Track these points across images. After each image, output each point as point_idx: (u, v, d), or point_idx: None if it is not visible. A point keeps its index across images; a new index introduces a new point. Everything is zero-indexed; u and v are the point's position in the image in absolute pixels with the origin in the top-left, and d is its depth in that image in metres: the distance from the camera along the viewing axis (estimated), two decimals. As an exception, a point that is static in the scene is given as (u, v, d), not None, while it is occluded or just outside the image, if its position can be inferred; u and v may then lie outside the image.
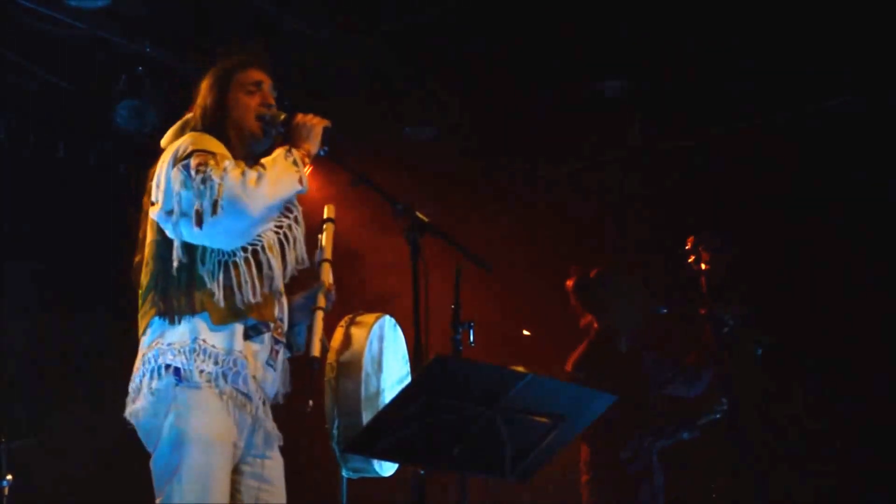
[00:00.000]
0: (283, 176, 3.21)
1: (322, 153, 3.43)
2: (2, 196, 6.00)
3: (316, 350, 3.30)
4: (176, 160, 3.23)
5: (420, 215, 3.45)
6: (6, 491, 4.97)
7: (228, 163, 3.19)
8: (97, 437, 5.68)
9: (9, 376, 5.78)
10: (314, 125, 3.40)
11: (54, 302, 6.18)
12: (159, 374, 3.17)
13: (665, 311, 4.93)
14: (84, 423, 5.77)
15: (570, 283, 5.17)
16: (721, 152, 6.32)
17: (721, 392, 4.75)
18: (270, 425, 3.38)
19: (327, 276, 3.49)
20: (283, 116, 3.45)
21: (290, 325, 3.45)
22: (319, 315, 3.39)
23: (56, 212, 6.22)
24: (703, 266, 4.83)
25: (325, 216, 3.64)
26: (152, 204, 3.28)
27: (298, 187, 3.25)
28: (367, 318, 3.58)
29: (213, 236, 3.18)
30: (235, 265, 3.22)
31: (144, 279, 3.32)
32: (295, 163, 3.26)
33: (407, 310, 3.41)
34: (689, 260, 4.88)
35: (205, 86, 3.52)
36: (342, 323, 3.55)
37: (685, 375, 4.93)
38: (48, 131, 6.17)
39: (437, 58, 5.89)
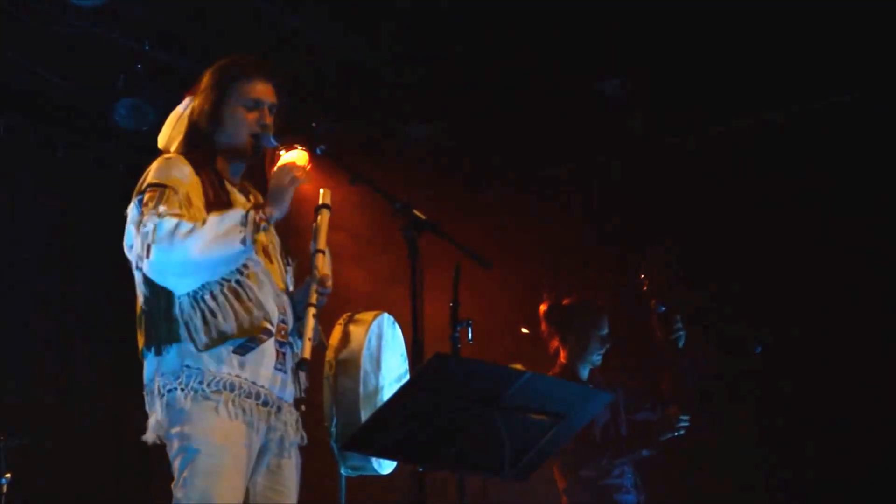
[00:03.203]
0: (221, 237, 3.17)
1: (319, 152, 3.43)
2: (1, 196, 6.00)
3: (306, 352, 3.28)
4: (135, 192, 3.30)
5: (418, 213, 3.45)
6: (4, 489, 4.97)
7: (165, 208, 3.18)
8: (97, 437, 5.68)
9: (9, 375, 5.78)
10: (286, 187, 3.33)
11: (54, 301, 6.17)
12: (161, 397, 3.23)
13: (664, 309, 4.94)
14: (84, 423, 5.78)
15: (542, 308, 5.23)
16: (721, 151, 6.31)
17: (682, 408, 4.77)
18: (290, 428, 3.38)
19: (322, 266, 3.44)
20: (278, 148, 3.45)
21: (297, 318, 3.44)
22: (310, 312, 3.34)
23: (56, 211, 6.22)
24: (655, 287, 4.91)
25: (320, 202, 3.55)
26: None
27: (239, 248, 3.19)
28: (366, 315, 3.58)
29: (154, 276, 3.22)
30: (213, 296, 3.23)
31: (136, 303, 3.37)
32: (244, 223, 3.20)
33: (405, 308, 3.40)
34: (642, 277, 4.95)
35: (205, 84, 3.50)
36: (340, 321, 3.55)
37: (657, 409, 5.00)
38: (48, 130, 6.17)
39: (436, 57, 5.89)
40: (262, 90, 3.49)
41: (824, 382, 5.80)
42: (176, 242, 3.14)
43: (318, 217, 3.51)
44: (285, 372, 3.36)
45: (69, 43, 5.46)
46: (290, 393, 3.38)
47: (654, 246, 4.99)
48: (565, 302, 5.21)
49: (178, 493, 3.16)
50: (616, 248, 6.50)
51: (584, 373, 5.13)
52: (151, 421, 3.26)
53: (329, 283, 3.44)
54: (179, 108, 3.55)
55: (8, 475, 5.00)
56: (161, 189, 3.24)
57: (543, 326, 5.23)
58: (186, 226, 3.17)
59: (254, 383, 3.26)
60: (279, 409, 3.33)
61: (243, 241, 3.19)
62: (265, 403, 3.28)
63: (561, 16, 5.48)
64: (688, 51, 5.68)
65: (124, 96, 5.66)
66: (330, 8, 5.51)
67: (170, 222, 3.16)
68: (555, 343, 5.19)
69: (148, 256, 3.16)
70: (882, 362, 5.70)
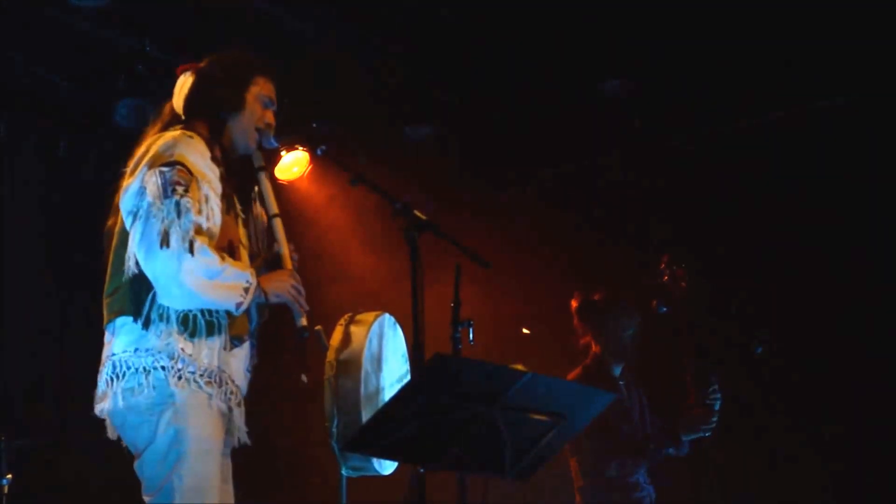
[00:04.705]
0: (222, 288, 3.17)
1: (319, 152, 3.44)
2: (1, 195, 5.99)
3: (304, 319, 3.31)
4: (156, 160, 3.21)
5: (419, 214, 3.45)
6: (5, 490, 4.97)
7: (192, 214, 3.13)
8: (97, 437, 5.66)
9: (10, 376, 5.78)
10: (286, 294, 3.33)
11: (54, 301, 6.17)
12: (146, 374, 3.17)
13: (665, 310, 4.94)
14: (85, 423, 5.77)
15: (574, 303, 5.22)
16: (721, 152, 6.31)
17: (711, 411, 4.76)
18: (243, 426, 3.40)
19: (282, 233, 3.45)
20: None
21: (259, 316, 3.45)
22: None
23: (57, 211, 6.21)
24: (678, 287, 4.87)
25: (255, 165, 3.51)
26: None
27: (231, 306, 3.22)
28: (367, 316, 3.58)
29: (150, 268, 3.15)
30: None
31: (111, 265, 3.30)
32: (246, 290, 3.21)
33: (406, 308, 3.41)
34: (665, 280, 4.91)
35: (224, 66, 3.48)
36: (341, 321, 3.55)
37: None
38: (49, 130, 6.17)
39: (436, 57, 5.89)
40: (274, 91, 3.51)
41: (827, 382, 5.81)
42: (189, 262, 3.11)
43: (262, 180, 3.50)
44: (250, 373, 3.41)
45: (70, 43, 5.46)
46: (245, 391, 3.41)
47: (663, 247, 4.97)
48: (597, 297, 5.18)
49: (172, 483, 3.12)
50: (617, 249, 6.51)
51: (617, 370, 5.12)
52: (131, 401, 3.17)
53: (295, 253, 3.47)
54: (181, 80, 3.52)
55: (9, 476, 5.00)
56: (188, 177, 3.18)
57: (575, 322, 5.21)
58: (209, 256, 3.14)
59: (233, 381, 3.30)
60: (238, 405, 3.36)
61: (238, 306, 3.22)
62: (238, 404, 3.34)
63: (562, 16, 5.48)
64: (688, 51, 5.68)
65: (125, 96, 5.66)
66: (331, 8, 5.51)
67: (198, 243, 3.12)
68: (586, 338, 5.17)
69: (162, 246, 3.08)
70: (884, 362, 5.71)
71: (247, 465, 3.52)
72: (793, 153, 6.02)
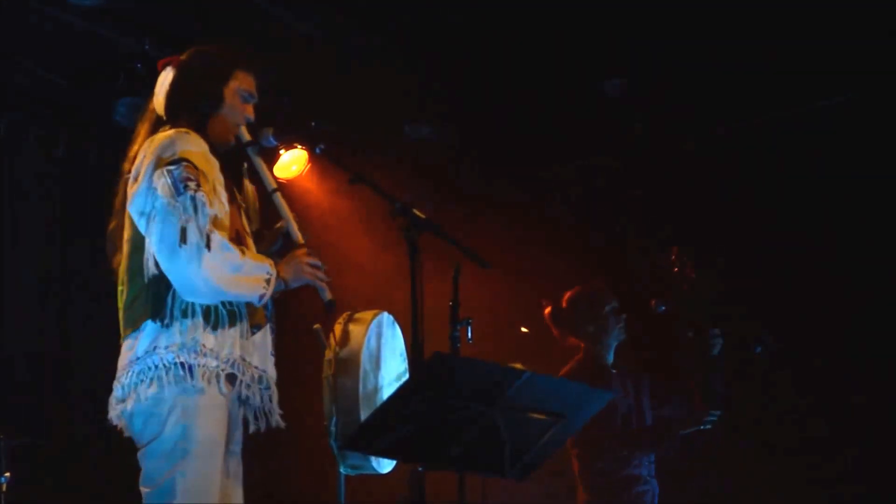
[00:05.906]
0: (244, 281, 3.17)
1: (318, 151, 3.43)
2: (1, 195, 5.99)
3: (328, 293, 3.32)
4: (160, 161, 3.17)
5: (418, 213, 3.45)
6: (4, 488, 4.96)
7: (209, 207, 3.12)
8: (98, 436, 5.67)
9: (10, 374, 5.78)
10: (305, 277, 3.33)
11: (54, 302, 6.17)
12: (167, 370, 3.14)
13: (664, 309, 4.94)
14: (85, 422, 5.77)
15: (546, 313, 5.24)
16: (722, 151, 6.32)
17: (710, 403, 4.75)
18: (276, 408, 3.39)
19: (286, 207, 3.42)
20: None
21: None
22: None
23: (56, 211, 6.21)
24: (687, 279, 4.88)
25: (245, 139, 3.45)
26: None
27: (254, 299, 3.22)
28: (366, 315, 3.58)
29: (169, 266, 3.13)
30: None
31: (126, 272, 3.27)
32: (268, 282, 3.20)
33: (405, 307, 3.41)
34: (674, 271, 4.91)
35: (203, 61, 3.45)
36: (340, 320, 3.55)
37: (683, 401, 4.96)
38: (48, 129, 6.16)
39: (437, 56, 5.89)
40: (254, 85, 3.48)
41: (827, 382, 5.81)
42: (211, 258, 3.09)
43: (252, 155, 3.45)
44: (273, 354, 3.41)
45: (70, 43, 5.46)
46: (274, 374, 3.42)
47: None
48: (566, 298, 5.20)
49: (175, 479, 3.11)
50: (617, 249, 6.51)
51: (609, 357, 5.11)
52: (147, 394, 3.15)
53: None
54: (162, 77, 3.50)
55: (7, 474, 5.00)
56: (196, 171, 3.16)
57: (554, 331, 5.23)
58: (230, 250, 3.13)
59: (256, 367, 3.30)
60: (267, 388, 3.36)
61: (260, 298, 3.22)
62: (267, 388, 3.34)
63: (562, 16, 5.48)
64: (689, 51, 5.68)
65: (125, 96, 5.66)
66: (332, 8, 5.51)
67: (217, 237, 3.11)
68: (571, 341, 5.17)
69: (181, 244, 3.07)
70: (885, 362, 5.71)
71: (245, 463, 3.51)
72: (793, 153, 6.02)
